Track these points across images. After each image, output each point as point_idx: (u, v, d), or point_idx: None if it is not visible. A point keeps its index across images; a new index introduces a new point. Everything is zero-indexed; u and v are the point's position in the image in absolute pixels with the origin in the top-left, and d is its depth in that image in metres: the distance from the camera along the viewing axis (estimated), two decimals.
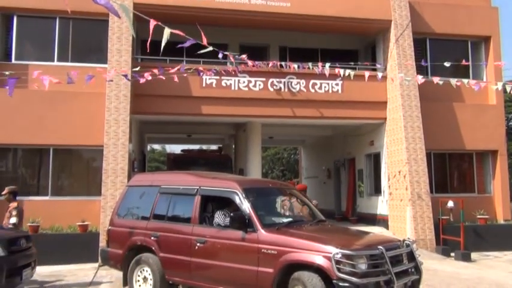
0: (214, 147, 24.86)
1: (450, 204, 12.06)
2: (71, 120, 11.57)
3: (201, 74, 10.55)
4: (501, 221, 13.59)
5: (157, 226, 6.87)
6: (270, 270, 5.57)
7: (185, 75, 8.91)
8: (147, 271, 6.81)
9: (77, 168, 12.35)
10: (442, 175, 14.10)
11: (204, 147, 29.35)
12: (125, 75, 8.72)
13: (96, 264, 10.11)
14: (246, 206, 6.07)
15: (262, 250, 5.69)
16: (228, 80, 12.44)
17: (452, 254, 11.45)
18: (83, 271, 9.59)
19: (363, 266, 5.22)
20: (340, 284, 5.10)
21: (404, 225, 12.35)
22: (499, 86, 9.21)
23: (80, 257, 10.30)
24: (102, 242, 10.51)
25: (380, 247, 5.45)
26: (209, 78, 12.24)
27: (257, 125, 14.60)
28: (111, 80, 10.35)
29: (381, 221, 13.78)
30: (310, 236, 5.88)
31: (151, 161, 36.05)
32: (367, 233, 6.82)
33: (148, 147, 28.92)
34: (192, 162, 16.31)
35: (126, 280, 7.09)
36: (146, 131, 17.33)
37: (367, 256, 5.33)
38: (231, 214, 6.11)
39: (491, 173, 14.29)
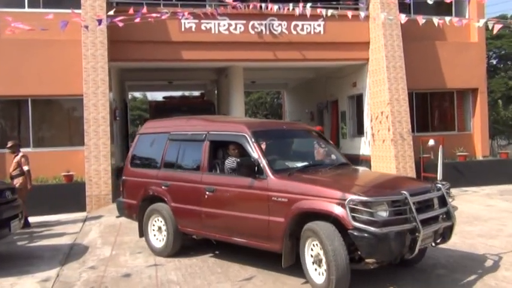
0: (196, 93, 24.60)
1: (431, 142, 12.29)
2: (48, 69, 11.26)
3: (180, 17, 10.21)
4: (480, 158, 13.97)
5: (167, 175, 6.60)
6: (281, 219, 5.14)
7: (163, 17, 8.60)
8: (161, 221, 6.64)
9: (58, 119, 12.18)
10: (424, 114, 14.29)
11: (186, 93, 29.01)
12: (99, 20, 8.38)
13: (84, 213, 10.26)
14: (254, 151, 5.61)
15: (273, 198, 5.26)
16: (207, 23, 12.12)
17: None
18: (72, 220, 9.69)
19: (383, 213, 4.70)
20: (356, 234, 4.60)
21: (386, 165, 12.62)
22: (481, 23, 9.13)
23: (67, 207, 10.36)
24: (88, 191, 10.60)
25: (404, 192, 4.85)
26: (188, 22, 11.90)
27: (239, 69, 14.42)
28: (87, 26, 9.98)
29: (363, 161, 14.04)
30: (324, 181, 5.42)
31: (133, 109, 35.66)
32: (394, 176, 6.33)
33: (130, 96, 28.49)
34: (174, 109, 16.15)
35: (142, 231, 6.95)
36: (126, 78, 17.02)
37: (388, 202, 4.77)
38: (238, 160, 5.75)
39: (471, 110, 14.52)
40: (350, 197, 4.69)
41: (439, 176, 11.28)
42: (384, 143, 12.79)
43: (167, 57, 12.35)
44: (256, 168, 5.48)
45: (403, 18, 11.20)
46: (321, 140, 6.87)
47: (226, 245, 6.33)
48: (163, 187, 6.58)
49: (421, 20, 9.85)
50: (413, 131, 13.06)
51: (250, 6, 11.89)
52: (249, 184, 5.52)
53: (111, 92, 11.85)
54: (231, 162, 6.04)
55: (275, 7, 11.55)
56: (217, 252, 6.72)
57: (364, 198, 4.68)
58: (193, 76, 18.19)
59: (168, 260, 6.53)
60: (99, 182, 10.73)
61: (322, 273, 4.87)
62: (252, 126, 6.03)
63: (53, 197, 10.36)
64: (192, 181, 6.24)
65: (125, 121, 17.81)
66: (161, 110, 16.28)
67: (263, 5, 12.60)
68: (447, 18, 10.75)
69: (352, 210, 4.64)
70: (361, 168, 8.10)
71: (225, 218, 5.84)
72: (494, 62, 21.97)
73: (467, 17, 13.97)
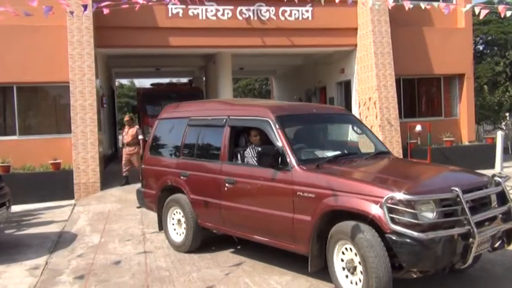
0: (184, 80, 24.47)
1: (418, 128, 12.40)
2: (33, 56, 11.07)
3: (167, 2, 10.08)
4: (466, 143, 14.13)
5: (187, 164, 6.10)
6: (308, 218, 4.52)
7: (150, 3, 8.50)
8: (180, 213, 6.20)
9: (44, 106, 12.02)
10: (411, 100, 14.38)
11: (174, 80, 28.85)
12: (85, 6, 8.25)
13: (72, 201, 10.22)
14: (278, 138, 4.97)
15: (298, 193, 4.62)
16: (195, 9, 11.99)
17: None
18: (60, 208, 9.65)
19: (429, 214, 3.95)
20: (395, 238, 3.90)
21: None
22: (468, 8, 9.16)
23: (55, 195, 10.29)
24: (76, 179, 10.54)
25: (455, 188, 4.05)
26: (175, 8, 11.77)
27: (227, 55, 14.35)
28: (72, 12, 9.83)
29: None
30: (358, 174, 4.76)
31: (120, 96, 35.41)
32: (443, 167, 5.53)
33: (117, 82, 28.24)
34: (162, 96, 16.12)
35: (162, 224, 6.55)
36: (113, 65, 16.85)
37: (436, 201, 4.00)
38: (259, 148, 5.11)
39: (458, 96, 14.63)
40: (388, 194, 3.96)
41: (499, 167, 10.37)
42: (372, 128, 12.85)
43: (154, 44, 12.23)
44: (279, 158, 4.87)
45: (390, 3, 11.21)
46: (357, 125, 6.13)
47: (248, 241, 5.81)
48: (182, 177, 6.10)
49: (408, 4, 9.86)
50: (400, 116, 13.14)
51: None
52: (272, 176, 4.91)
53: (98, 78, 11.73)
54: (251, 151, 5.51)
55: None
56: (239, 247, 6.23)
57: (406, 196, 3.93)
58: (181, 63, 18.07)
59: (157, 246, 6.55)
60: (87, 169, 10.67)
61: (356, 283, 4.27)
62: (276, 110, 5.36)
63: (40, 185, 10.29)
64: (211, 171, 5.70)
65: (112, 108, 17.69)
66: (149, 97, 16.22)
67: None
68: (435, 4, 10.78)
69: (391, 210, 3.92)
70: (404, 159, 6.75)
71: (245, 214, 5.27)
72: (481, 47, 22.11)
73: (454, 2, 14.01)
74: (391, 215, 3.91)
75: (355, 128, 6.07)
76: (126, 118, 11.46)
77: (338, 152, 5.39)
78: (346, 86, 14.82)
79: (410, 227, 3.87)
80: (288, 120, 5.30)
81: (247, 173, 5.32)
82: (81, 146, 10.72)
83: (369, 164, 5.25)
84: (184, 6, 11.75)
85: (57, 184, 10.42)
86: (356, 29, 13.31)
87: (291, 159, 4.80)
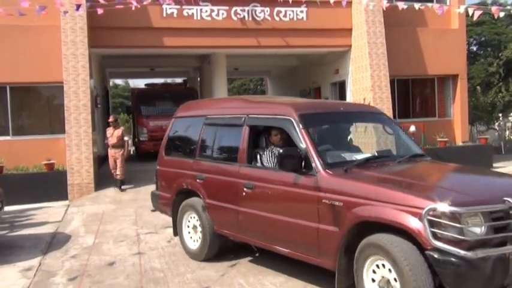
0: (179, 80, 24.42)
1: (412, 128, 12.43)
2: (27, 56, 11.00)
3: (161, 2, 10.07)
4: (459, 143, 14.20)
5: (203, 166, 5.72)
6: (335, 229, 4.07)
7: (145, 2, 8.48)
8: (196, 219, 5.83)
9: (38, 106, 11.96)
10: (405, 100, 14.45)
11: (169, 80, 28.77)
12: (78, 6, 8.22)
13: (66, 202, 10.17)
14: (301, 139, 4.52)
15: (324, 200, 4.17)
16: (189, 9, 11.97)
17: None
18: (53, 209, 9.60)
19: (477, 229, 3.47)
20: (437, 257, 3.41)
21: None
22: (462, 9, 9.22)
23: (49, 196, 10.23)
24: (70, 180, 10.49)
25: (509, 199, 3.55)
26: (170, 8, 11.75)
27: (222, 56, 14.33)
28: (66, 12, 9.79)
29: None
30: (393, 180, 4.20)
31: (115, 96, 35.28)
32: (492, 173, 5.01)
33: (111, 83, 28.15)
34: (157, 96, 16.08)
35: (176, 230, 6.20)
36: (107, 65, 16.78)
37: (485, 214, 3.50)
38: (280, 150, 4.67)
39: (452, 97, 14.71)
40: (429, 205, 3.48)
41: None
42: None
43: (148, 44, 12.20)
44: (303, 161, 4.40)
45: (385, 3, 11.27)
46: (388, 124, 5.62)
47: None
48: (198, 180, 5.72)
49: (402, 5, 9.88)
50: (394, 117, 13.17)
51: None
52: (294, 181, 4.46)
53: (92, 79, 11.68)
54: (272, 152, 5.06)
55: None
56: (257, 255, 5.78)
57: (450, 208, 3.43)
58: (175, 63, 18.03)
59: (151, 247, 6.53)
60: (81, 170, 10.62)
61: None
62: (299, 108, 4.90)
63: (34, 186, 10.24)
64: (228, 174, 5.31)
65: (107, 109, 17.61)
66: (143, 97, 16.17)
67: None
68: (429, 5, 10.85)
69: (433, 223, 3.45)
70: (443, 162, 5.83)
71: (265, 222, 4.84)
72: (475, 48, 22.20)
73: (448, 3, 14.08)
74: (433, 229, 3.44)
75: (386, 128, 5.54)
76: (111, 119, 11.04)
77: (368, 155, 4.95)
78: (341, 87, 14.84)
79: (455, 243, 3.38)
80: (313, 119, 4.86)
81: (267, 177, 4.87)
82: (75, 146, 10.67)
83: (404, 168, 4.72)
84: (178, 7, 11.74)
85: (50, 185, 10.37)
86: (350, 29, 13.34)
87: (316, 162, 4.34)
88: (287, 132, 4.80)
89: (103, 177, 11.55)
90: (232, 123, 5.50)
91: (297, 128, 4.62)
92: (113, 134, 10.80)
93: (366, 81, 12.83)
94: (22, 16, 7.77)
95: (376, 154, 5.14)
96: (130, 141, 14.51)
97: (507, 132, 20.26)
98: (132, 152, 15.05)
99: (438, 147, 13.28)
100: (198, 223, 5.80)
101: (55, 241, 7.11)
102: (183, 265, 5.73)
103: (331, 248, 4.11)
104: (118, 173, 10.69)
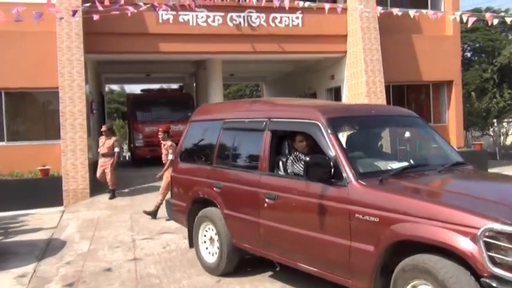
0: (174, 86, 24.41)
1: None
2: (22, 61, 10.99)
3: (157, 9, 10.10)
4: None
5: (221, 173, 5.33)
6: (369, 248, 3.62)
7: (141, 9, 8.50)
8: (212, 230, 5.46)
9: (33, 112, 11.94)
10: (400, 106, 14.47)
11: (165, 86, 28.75)
12: (74, 12, 8.23)
13: (61, 208, 10.12)
14: (330, 145, 4.09)
15: (357, 215, 3.72)
16: (185, 15, 12.00)
17: None
18: (48, 215, 9.55)
19: None
20: (495, 286, 2.94)
21: None
22: (456, 16, 9.29)
23: (44, 202, 10.17)
24: (65, 186, 10.45)
25: None
26: (165, 14, 11.77)
27: (217, 62, 14.36)
28: (62, 18, 9.79)
29: None
30: (437, 193, 3.79)
31: (110, 102, 35.22)
32: None
33: (107, 88, 28.10)
34: (152, 102, 16.06)
35: (192, 241, 5.81)
36: (103, 71, 16.77)
37: None
38: (307, 158, 4.11)
39: (447, 102, 14.80)
40: (486, 224, 3.01)
41: None
42: None
43: (144, 50, 12.21)
44: (332, 170, 3.97)
45: (379, 10, 11.35)
46: (424, 129, 5.19)
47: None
48: (215, 188, 5.33)
49: (396, 11, 9.94)
50: None
51: None
52: (322, 192, 4.03)
53: (88, 84, 11.66)
54: (296, 160, 4.64)
55: None
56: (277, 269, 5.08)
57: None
58: (171, 69, 18.04)
59: (147, 253, 6.50)
60: (76, 176, 10.58)
61: None
62: (327, 112, 4.47)
63: (29, 192, 10.18)
64: (248, 183, 4.91)
65: (102, 114, 17.58)
66: (139, 103, 16.14)
67: None
68: (423, 11, 10.92)
69: (490, 246, 2.98)
70: (490, 172, 5.13)
71: (289, 237, 4.41)
72: (469, 54, 22.35)
73: (442, 10, 14.19)
74: (490, 253, 2.97)
75: (421, 133, 5.16)
76: (104, 128, 10.76)
77: (405, 163, 4.44)
78: (336, 93, 14.89)
79: None
80: (342, 124, 4.46)
81: (291, 187, 4.42)
82: (71, 152, 10.64)
83: (447, 179, 4.22)
84: (174, 13, 11.77)
85: (45, 190, 10.32)
86: (346, 36, 13.41)
87: (348, 172, 3.89)
88: (313, 138, 4.38)
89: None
90: (253, 128, 5.11)
91: (325, 134, 4.19)
92: (104, 143, 10.52)
93: (361, 87, 12.88)
94: (18, 22, 7.78)
95: (412, 163, 4.57)
96: (126, 147, 14.46)
97: (502, 138, 20.37)
98: (127, 158, 15.01)
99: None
100: (215, 235, 5.41)
101: (50, 247, 7.07)
102: (179, 271, 5.70)
103: (364, 269, 3.69)
104: (108, 182, 10.56)
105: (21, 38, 10.90)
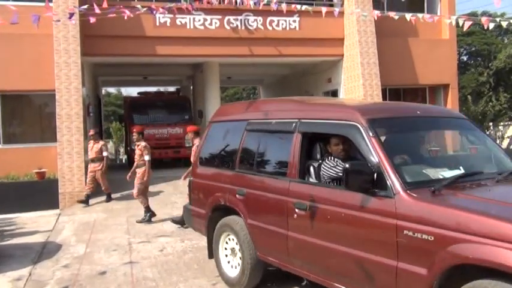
0: (171, 89, 24.43)
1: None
2: (19, 64, 10.97)
3: (154, 12, 10.10)
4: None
5: (244, 179, 4.85)
6: (421, 270, 3.11)
7: (138, 12, 8.50)
8: (233, 240, 4.99)
9: (29, 115, 11.90)
10: None
11: (162, 89, 28.77)
12: (71, 14, 8.22)
13: (57, 211, 10.08)
14: (372, 150, 3.60)
15: (405, 232, 3.21)
16: (182, 18, 12.02)
17: None
18: (44, 218, 9.51)
19: None
20: None
21: None
22: (453, 20, 9.32)
23: (39, 205, 10.14)
24: (62, 189, 10.42)
25: None
26: (163, 17, 11.79)
27: (214, 65, 14.38)
28: (59, 20, 9.78)
29: None
30: (505, 208, 3.08)
31: (107, 104, 35.16)
32: None
33: (104, 91, 28.07)
34: (149, 105, 16.05)
35: (212, 251, 5.34)
36: (100, 74, 16.76)
37: None
38: (346, 165, 3.56)
39: (443, 106, 14.81)
40: None
41: None
42: None
43: (141, 52, 12.22)
44: (374, 178, 3.47)
45: (376, 14, 11.38)
46: (475, 132, 4.61)
47: None
48: (237, 195, 4.86)
49: (393, 14, 9.98)
50: None
51: (226, 1, 11.82)
52: (362, 204, 3.53)
53: (84, 87, 11.65)
54: (332, 166, 4.13)
55: (251, 2, 11.50)
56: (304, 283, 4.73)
57: None
58: (168, 71, 18.06)
59: (143, 256, 6.49)
60: (73, 179, 10.55)
61: None
62: (367, 112, 3.97)
63: (25, 194, 10.15)
64: (275, 191, 4.42)
65: (99, 117, 17.55)
66: (136, 105, 16.13)
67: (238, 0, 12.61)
68: (419, 15, 10.97)
69: None
70: None
71: (322, 252, 3.91)
72: (465, 58, 22.46)
73: (438, 14, 14.25)
74: None
75: (471, 137, 4.66)
76: (92, 132, 10.48)
77: (458, 172, 3.83)
78: (333, 96, 14.91)
79: None
80: (385, 126, 3.93)
81: (325, 197, 3.94)
82: (67, 155, 10.61)
83: (510, 190, 3.66)
84: (172, 16, 11.78)
85: (41, 193, 10.29)
86: (342, 39, 13.45)
87: (393, 181, 3.38)
88: (351, 141, 3.89)
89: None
90: (281, 130, 4.61)
91: (365, 137, 3.69)
92: (92, 148, 10.37)
93: (358, 90, 12.91)
94: (14, 24, 7.76)
95: (467, 171, 3.94)
96: (123, 150, 14.42)
97: (498, 142, 20.44)
98: (124, 161, 14.96)
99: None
100: (237, 246, 4.94)
101: (46, 250, 7.04)
102: (175, 274, 5.69)
103: None
104: (102, 187, 10.49)
105: (18, 40, 10.88)
